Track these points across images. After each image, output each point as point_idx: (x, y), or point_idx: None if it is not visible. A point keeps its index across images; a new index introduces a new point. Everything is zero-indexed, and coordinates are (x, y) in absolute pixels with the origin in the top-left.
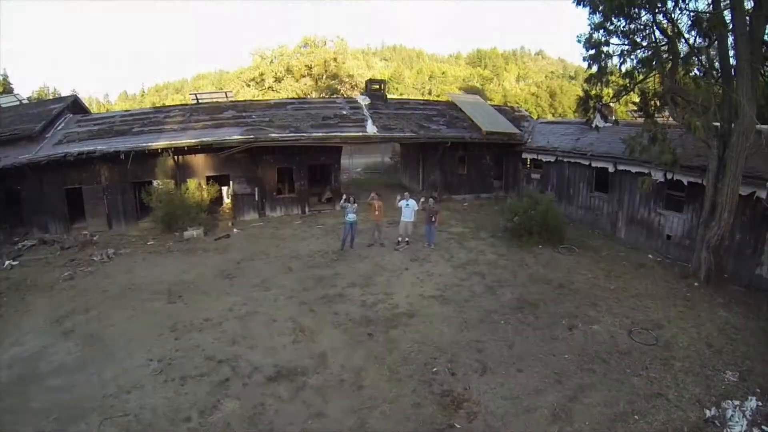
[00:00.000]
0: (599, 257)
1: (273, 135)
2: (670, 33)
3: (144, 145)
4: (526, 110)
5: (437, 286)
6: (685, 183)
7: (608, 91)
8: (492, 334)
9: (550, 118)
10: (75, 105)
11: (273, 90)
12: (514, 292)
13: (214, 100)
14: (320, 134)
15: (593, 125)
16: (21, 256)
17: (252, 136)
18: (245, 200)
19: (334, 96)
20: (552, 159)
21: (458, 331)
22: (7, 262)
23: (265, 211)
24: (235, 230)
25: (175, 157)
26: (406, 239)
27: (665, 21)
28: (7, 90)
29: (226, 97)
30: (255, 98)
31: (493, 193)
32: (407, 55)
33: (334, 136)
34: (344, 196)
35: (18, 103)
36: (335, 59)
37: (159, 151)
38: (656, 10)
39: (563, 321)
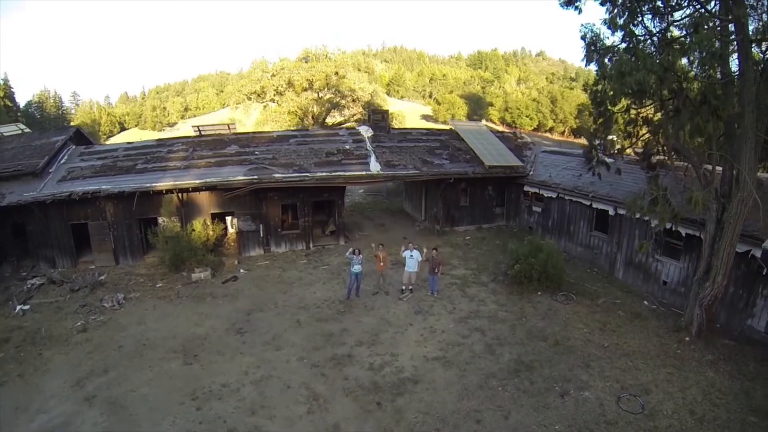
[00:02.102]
0: (596, 306)
1: (277, 175)
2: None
3: (148, 185)
4: (527, 115)
5: (440, 346)
6: (683, 234)
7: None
8: (490, 402)
9: (551, 123)
10: (77, 136)
11: (274, 102)
12: (512, 352)
13: (217, 132)
14: (324, 174)
15: (596, 173)
16: (31, 298)
17: (256, 177)
18: (250, 237)
19: (337, 128)
20: (553, 195)
21: (459, 399)
22: (18, 307)
23: (270, 247)
24: (241, 270)
25: (180, 194)
26: (410, 287)
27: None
28: (8, 94)
29: (228, 129)
30: (257, 130)
31: (495, 223)
32: (408, 57)
33: (337, 176)
34: (350, 249)
35: (20, 132)
36: (337, 73)
37: (164, 190)
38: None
39: (556, 386)
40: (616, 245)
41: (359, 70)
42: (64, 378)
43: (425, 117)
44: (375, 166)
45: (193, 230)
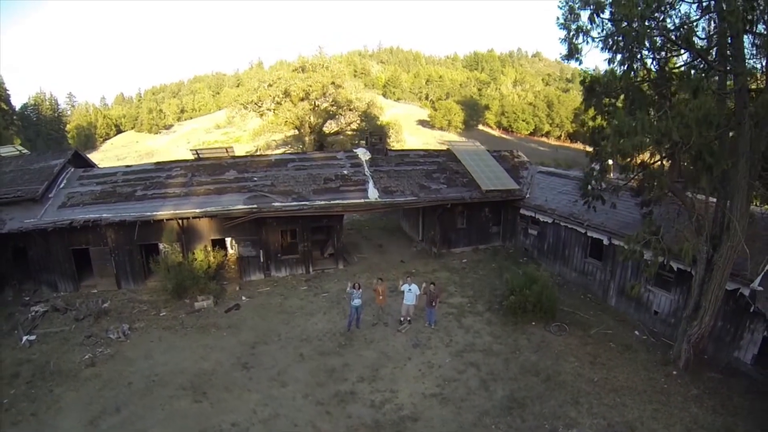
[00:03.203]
0: (588, 337)
1: (276, 204)
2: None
3: (149, 214)
4: (524, 120)
5: (437, 382)
6: (675, 268)
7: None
8: None
9: (547, 128)
10: (75, 157)
11: (271, 111)
12: (505, 388)
13: (215, 156)
14: (322, 202)
15: (590, 206)
16: (36, 327)
17: (255, 206)
18: (251, 261)
19: (335, 151)
20: (549, 220)
21: None
22: (24, 338)
23: (271, 271)
24: (243, 298)
25: (180, 221)
26: (408, 318)
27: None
28: (3, 97)
29: (227, 152)
30: (254, 154)
31: (491, 244)
32: (404, 57)
33: (336, 204)
34: (350, 284)
35: (18, 153)
36: (333, 83)
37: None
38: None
39: (546, 424)
40: (609, 273)
41: (355, 73)
42: (78, 417)
43: (421, 122)
44: (373, 193)
45: (195, 259)
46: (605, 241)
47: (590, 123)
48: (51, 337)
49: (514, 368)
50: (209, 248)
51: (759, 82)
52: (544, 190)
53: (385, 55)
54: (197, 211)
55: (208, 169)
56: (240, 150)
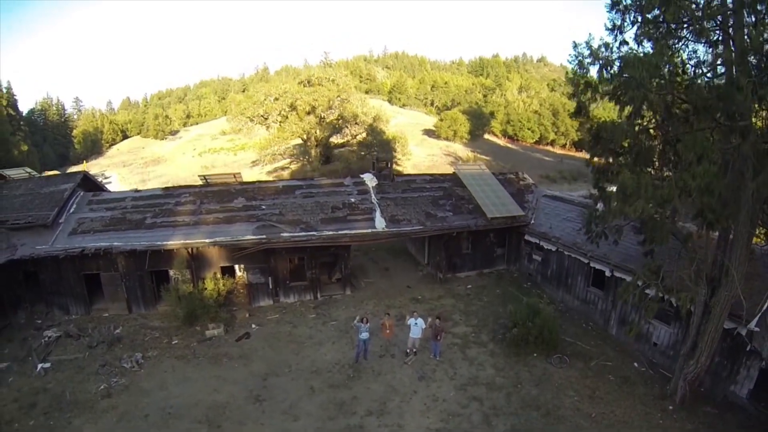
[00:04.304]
0: (588, 370)
1: (285, 235)
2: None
3: (159, 243)
4: (529, 128)
5: (441, 416)
6: (674, 304)
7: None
8: None
9: (552, 136)
10: (85, 180)
11: (278, 123)
12: (507, 423)
13: (223, 182)
14: (330, 232)
15: (594, 241)
16: (50, 354)
17: (264, 237)
18: (259, 288)
19: (342, 178)
20: (553, 248)
21: None
22: (39, 366)
23: (279, 297)
24: (253, 326)
25: (190, 250)
26: (414, 350)
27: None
28: (11, 102)
29: (234, 178)
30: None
31: (496, 267)
32: (409, 63)
33: (343, 235)
34: (357, 317)
35: (27, 175)
36: (339, 96)
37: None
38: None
39: None
40: (611, 303)
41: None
42: None
43: (427, 132)
44: (380, 222)
45: (205, 288)
46: (607, 273)
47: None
48: (65, 364)
49: (516, 402)
50: (218, 275)
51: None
52: (549, 216)
53: (390, 60)
54: (207, 241)
55: (216, 196)
56: (246, 158)
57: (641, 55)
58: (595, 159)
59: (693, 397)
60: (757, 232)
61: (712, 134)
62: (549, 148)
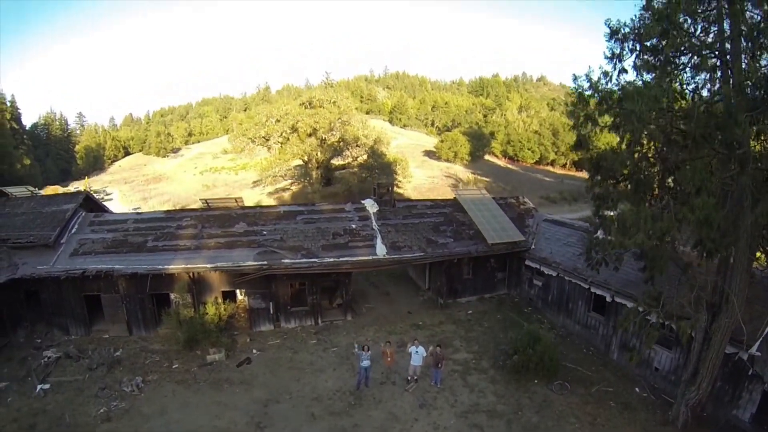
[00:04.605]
0: (588, 396)
1: (286, 261)
2: None
3: (161, 267)
4: (530, 148)
5: None
6: (676, 325)
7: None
8: None
9: (552, 156)
10: (86, 201)
11: (279, 144)
12: None
13: (225, 206)
14: (331, 259)
15: (594, 268)
16: (49, 375)
17: (266, 263)
18: (260, 313)
19: (343, 204)
20: (554, 273)
21: None
22: (39, 387)
23: (280, 322)
24: (254, 351)
25: (191, 274)
26: (415, 378)
27: None
28: (14, 116)
29: (236, 202)
30: (263, 205)
31: (497, 292)
32: (410, 83)
33: (344, 262)
34: (357, 345)
35: (30, 194)
36: (340, 118)
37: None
38: None
39: None
40: (612, 328)
41: (362, 99)
42: None
43: (428, 153)
44: (381, 249)
45: (206, 313)
46: (608, 298)
47: (592, 187)
48: (65, 386)
49: (516, 430)
50: (219, 300)
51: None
52: (550, 241)
53: (391, 80)
54: (208, 266)
55: (217, 220)
56: (247, 178)
57: (640, 87)
58: (596, 189)
59: (695, 422)
60: (758, 255)
61: (710, 163)
62: (549, 168)
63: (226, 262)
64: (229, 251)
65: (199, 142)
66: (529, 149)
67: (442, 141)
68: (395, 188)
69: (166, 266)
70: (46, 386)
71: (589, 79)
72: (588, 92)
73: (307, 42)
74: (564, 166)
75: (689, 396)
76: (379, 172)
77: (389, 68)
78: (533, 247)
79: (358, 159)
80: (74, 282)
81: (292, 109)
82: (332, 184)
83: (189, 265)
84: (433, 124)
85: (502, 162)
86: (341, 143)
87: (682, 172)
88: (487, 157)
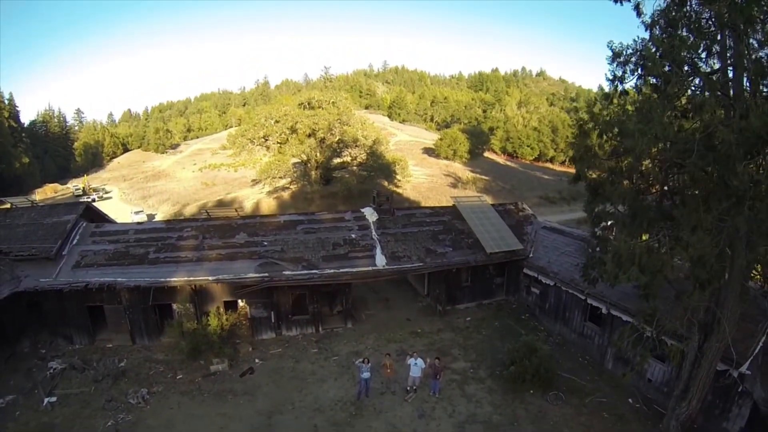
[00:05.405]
0: (583, 406)
1: (287, 273)
2: None
3: (163, 280)
4: (529, 145)
5: None
6: (668, 344)
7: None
8: None
9: (551, 153)
10: (87, 211)
11: (278, 146)
12: None
13: (225, 215)
14: (332, 270)
15: (590, 283)
16: (56, 387)
17: (267, 275)
18: (262, 322)
19: (342, 212)
20: (551, 283)
21: None
22: (46, 401)
23: (282, 330)
24: (257, 361)
25: (193, 285)
26: (414, 388)
27: None
28: (13, 114)
29: (236, 212)
30: (263, 214)
31: (495, 298)
32: (409, 77)
33: (344, 273)
34: (359, 360)
35: (30, 204)
36: (339, 119)
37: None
38: None
39: None
40: (607, 339)
41: (360, 94)
42: None
43: (427, 150)
44: (380, 260)
45: (209, 324)
46: (604, 310)
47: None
48: (71, 399)
49: None
50: (221, 310)
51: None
52: (548, 250)
53: (390, 75)
54: (210, 278)
55: (218, 231)
56: (246, 175)
57: (641, 126)
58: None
59: None
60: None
61: (707, 195)
62: (548, 165)
63: (227, 275)
64: (231, 263)
65: (197, 137)
66: (528, 146)
67: (441, 139)
68: (394, 188)
69: (168, 279)
70: (53, 399)
71: (591, 112)
72: (590, 125)
73: (305, 35)
74: (563, 163)
75: (680, 411)
76: (378, 173)
77: (388, 63)
78: (531, 255)
79: (357, 158)
80: (77, 294)
81: (291, 110)
82: (331, 183)
83: (191, 278)
84: (432, 119)
85: (501, 159)
86: (340, 144)
87: (679, 210)
88: (486, 154)
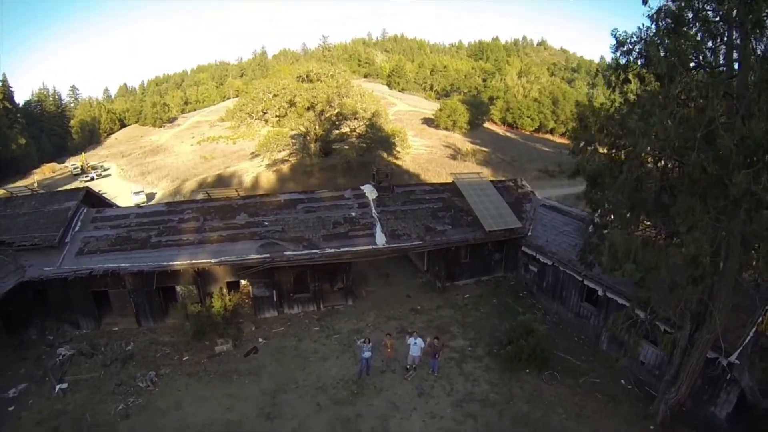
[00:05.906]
0: (577, 386)
1: (288, 253)
2: None
3: (166, 264)
4: (529, 116)
5: None
6: (662, 329)
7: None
8: None
9: (552, 124)
10: (87, 196)
11: (277, 120)
12: None
13: (225, 196)
14: (332, 250)
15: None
16: (66, 373)
17: (268, 255)
18: (264, 300)
19: (342, 191)
20: (549, 262)
21: None
22: (57, 388)
23: (284, 309)
24: (260, 340)
25: (196, 268)
26: (414, 366)
27: None
28: (7, 95)
29: (237, 193)
30: (263, 194)
31: (493, 275)
32: (408, 46)
33: (345, 252)
34: (360, 339)
35: (30, 192)
36: (338, 92)
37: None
38: None
39: None
40: (602, 320)
41: (359, 63)
42: None
43: (426, 121)
44: (380, 238)
45: (212, 306)
46: (600, 292)
47: (591, 215)
48: (82, 384)
49: (507, 420)
50: (224, 291)
51: None
52: (546, 228)
53: (389, 44)
54: (212, 261)
55: (218, 212)
56: (245, 147)
57: (643, 124)
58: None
59: (674, 418)
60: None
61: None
62: (548, 136)
63: (230, 256)
64: (232, 244)
65: (195, 110)
66: (528, 117)
67: (440, 109)
68: (393, 160)
69: (171, 262)
70: (64, 386)
71: (592, 109)
72: (591, 119)
73: (304, 2)
74: (563, 134)
75: (669, 396)
76: (377, 145)
77: (387, 31)
78: (530, 233)
79: (357, 130)
80: (82, 280)
81: (290, 84)
82: (330, 155)
83: (194, 261)
84: (431, 88)
85: (501, 130)
86: (339, 117)
87: (676, 208)
88: (486, 124)
